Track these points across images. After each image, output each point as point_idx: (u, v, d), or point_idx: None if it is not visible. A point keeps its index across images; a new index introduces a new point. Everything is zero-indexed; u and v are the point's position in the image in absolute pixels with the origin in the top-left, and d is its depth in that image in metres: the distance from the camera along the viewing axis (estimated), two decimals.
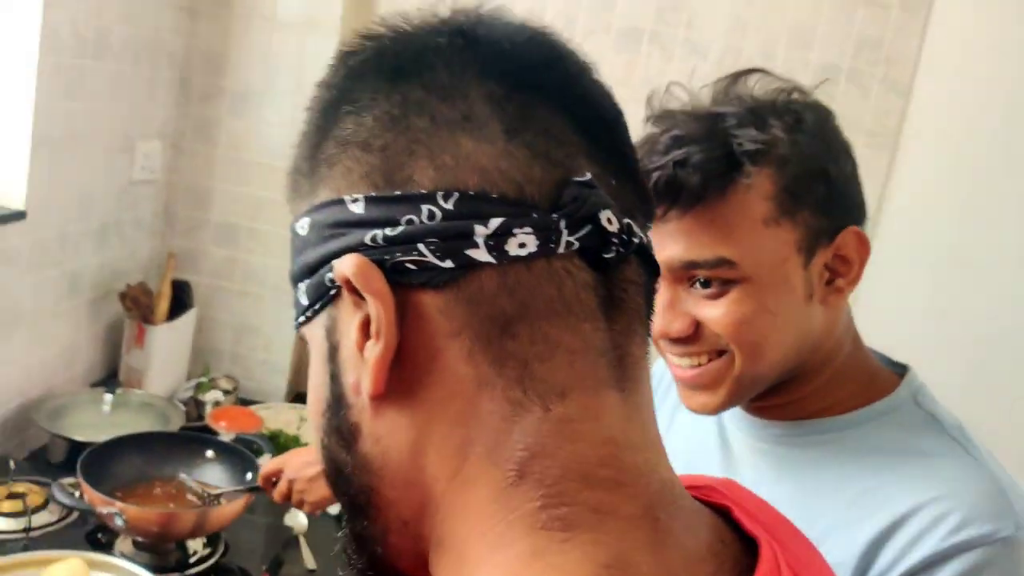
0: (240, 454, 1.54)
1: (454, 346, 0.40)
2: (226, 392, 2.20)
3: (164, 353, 2.09)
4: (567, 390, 0.39)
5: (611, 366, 0.41)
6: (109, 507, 1.27)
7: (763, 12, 2.13)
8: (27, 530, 1.38)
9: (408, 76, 0.42)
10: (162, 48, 2.07)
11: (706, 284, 0.74)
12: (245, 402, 2.25)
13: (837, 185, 0.76)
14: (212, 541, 1.45)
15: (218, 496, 1.44)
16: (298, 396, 2.44)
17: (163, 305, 2.09)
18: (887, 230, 2.12)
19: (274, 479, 1.28)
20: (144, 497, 1.45)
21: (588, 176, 0.41)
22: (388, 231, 0.40)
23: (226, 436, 1.70)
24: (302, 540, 1.66)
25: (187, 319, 2.19)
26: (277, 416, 2.21)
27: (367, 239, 0.40)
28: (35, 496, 1.46)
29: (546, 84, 0.42)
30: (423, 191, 0.40)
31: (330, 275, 0.42)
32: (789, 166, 0.73)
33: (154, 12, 1.99)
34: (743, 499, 0.45)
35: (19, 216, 1.62)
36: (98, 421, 1.82)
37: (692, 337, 0.76)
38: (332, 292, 0.42)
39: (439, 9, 0.44)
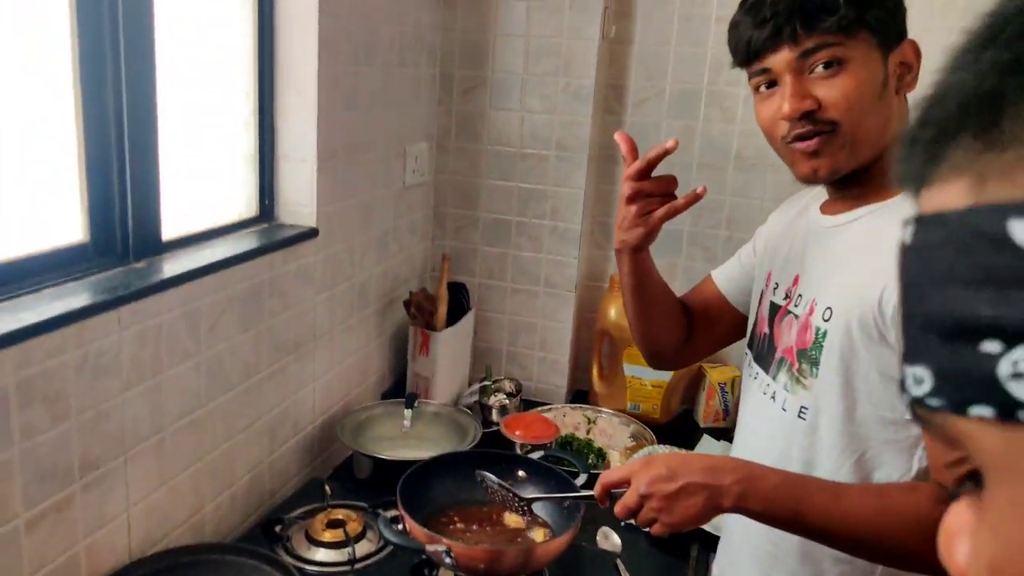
0: (554, 474, 1.42)
1: None
2: (510, 395, 2.11)
3: (448, 358, 2.03)
4: None
5: None
6: (437, 545, 1.18)
7: None
8: (351, 563, 1.34)
9: None
10: (423, 44, 2.00)
11: (827, 66, 1.02)
12: (528, 404, 2.16)
13: (894, 5, 1.05)
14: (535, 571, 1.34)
15: (532, 501, 1.31)
16: (578, 395, 2.32)
17: (442, 309, 2.04)
18: None
19: (613, 491, 1.12)
20: (461, 522, 1.37)
21: None
22: None
23: (534, 453, 1.59)
24: (620, 564, 1.52)
25: (466, 322, 2.13)
26: (563, 419, 2.09)
27: None
28: (354, 524, 1.41)
29: None
30: None
31: None
32: None
33: (415, 7, 1.92)
34: None
35: (313, 234, 1.60)
36: (397, 434, 1.79)
37: (813, 113, 1.03)
38: None
39: None
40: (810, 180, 1.09)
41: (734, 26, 1.11)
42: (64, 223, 1.20)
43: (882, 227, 1.05)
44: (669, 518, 1.02)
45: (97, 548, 1.15)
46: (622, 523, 1.63)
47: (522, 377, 2.23)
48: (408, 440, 1.78)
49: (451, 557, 1.17)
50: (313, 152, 1.57)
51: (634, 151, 1.16)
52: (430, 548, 1.18)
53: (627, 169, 1.16)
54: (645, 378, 2.18)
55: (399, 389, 2.05)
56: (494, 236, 2.21)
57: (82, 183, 1.20)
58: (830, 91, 1.02)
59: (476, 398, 2.09)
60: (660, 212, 1.14)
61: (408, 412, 1.81)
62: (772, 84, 1.07)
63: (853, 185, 1.10)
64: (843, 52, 1.01)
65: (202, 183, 1.46)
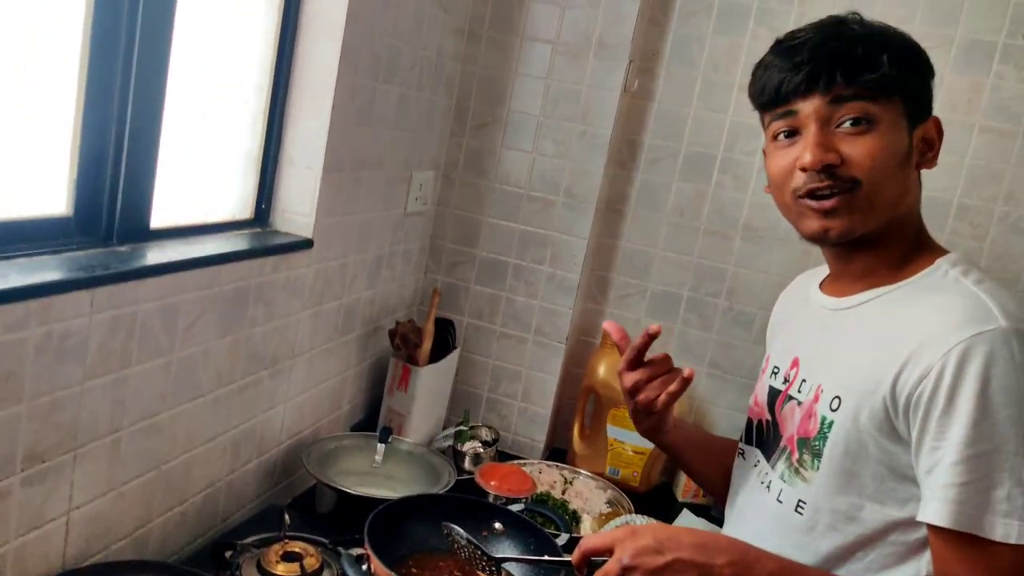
0: (534, 531, 1.32)
1: None
2: (486, 443, 2.00)
3: (427, 397, 1.93)
4: None
5: None
6: None
7: None
8: None
9: None
10: (442, 73, 1.95)
11: (856, 123, 0.99)
12: (503, 456, 2.06)
13: (926, 80, 1.05)
14: None
15: (501, 562, 1.20)
16: (555, 452, 2.22)
17: (427, 344, 1.95)
18: None
19: (593, 558, 1.02)
20: (428, 571, 1.26)
21: None
22: None
23: (511, 507, 1.48)
24: None
25: (450, 360, 2.04)
26: (539, 476, 1.98)
27: None
28: (311, 559, 1.29)
29: None
30: None
31: None
32: (906, 57, 1.02)
33: (439, 34, 1.88)
34: None
35: (307, 244, 1.51)
36: (366, 470, 1.68)
37: (834, 168, 1.00)
38: None
39: None
40: (819, 238, 1.05)
41: (763, 67, 1.07)
42: (48, 194, 1.11)
43: (897, 311, 1.01)
44: None
45: (28, 551, 1.03)
46: None
47: (500, 427, 2.13)
48: (377, 478, 1.67)
49: None
50: (320, 160, 1.49)
51: (625, 338, 1.17)
52: None
53: (621, 362, 1.17)
54: (628, 443, 2.09)
55: (370, 423, 1.94)
56: (489, 276, 2.14)
57: (74, 156, 1.11)
58: (855, 148, 0.99)
59: (450, 442, 1.99)
60: (663, 400, 1.14)
61: (381, 447, 1.70)
62: (792, 134, 1.04)
63: (859, 257, 1.07)
64: (875, 110, 0.99)
65: (199, 175, 1.38)
